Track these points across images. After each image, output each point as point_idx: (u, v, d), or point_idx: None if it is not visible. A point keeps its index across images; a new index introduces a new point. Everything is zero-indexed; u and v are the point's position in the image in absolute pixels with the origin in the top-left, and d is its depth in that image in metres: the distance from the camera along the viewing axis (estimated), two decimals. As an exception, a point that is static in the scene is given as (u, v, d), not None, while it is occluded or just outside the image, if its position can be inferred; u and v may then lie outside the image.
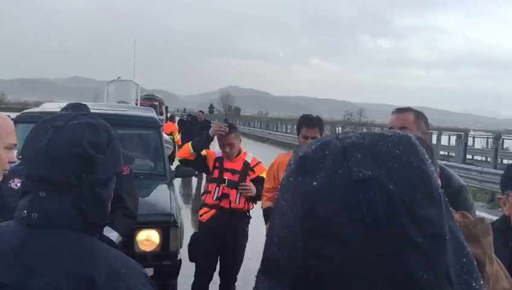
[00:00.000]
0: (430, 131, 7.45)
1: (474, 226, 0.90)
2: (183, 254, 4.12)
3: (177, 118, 19.55)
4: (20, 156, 1.91)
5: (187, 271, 4.34)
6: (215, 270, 4.19)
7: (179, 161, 4.30)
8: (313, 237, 0.58)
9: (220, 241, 4.05)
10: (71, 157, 1.07)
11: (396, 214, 0.56)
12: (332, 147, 0.62)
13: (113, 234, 2.76)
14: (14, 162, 1.84)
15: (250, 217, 4.20)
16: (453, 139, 21.50)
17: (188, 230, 5.18)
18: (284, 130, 39.08)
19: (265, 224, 3.67)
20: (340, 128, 34.84)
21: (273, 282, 0.62)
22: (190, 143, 4.09)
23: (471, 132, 32.26)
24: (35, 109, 5.37)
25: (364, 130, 0.70)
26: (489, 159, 18.95)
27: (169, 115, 22.02)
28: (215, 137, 4.04)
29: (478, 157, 22.34)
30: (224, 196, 4.01)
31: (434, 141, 19.66)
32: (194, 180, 12.56)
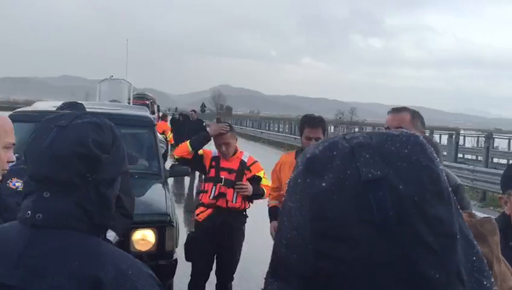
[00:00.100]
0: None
1: (481, 225, 0.91)
2: (179, 253, 4.11)
3: (169, 117, 19.50)
4: (17, 154, 1.90)
5: (183, 271, 4.33)
6: (211, 269, 4.19)
7: (176, 159, 4.30)
8: (322, 239, 0.57)
9: (216, 240, 4.05)
10: (76, 157, 1.06)
11: (406, 213, 0.56)
12: (339, 147, 0.61)
13: (110, 234, 2.75)
14: (12, 162, 1.83)
15: (246, 216, 4.20)
16: (445, 138, 21.64)
17: (181, 230, 5.17)
18: (276, 129, 39.14)
19: (270, 222, 3.67)
20: (332, 127, 34.93)
21: (282, 284, 0.62)
22: (188, 142, 4.08)
23: (462, 131, 32.51)
24: (28, 108, 5.34)
25: (369, 130, 0.70)
26: (479, 158, 19.10)
27: (161, 114, 21.96)
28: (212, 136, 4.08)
29: (468, 156, 22.52)
30: (221, 195, 4.00)
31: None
32: (187, 179, 12.55)
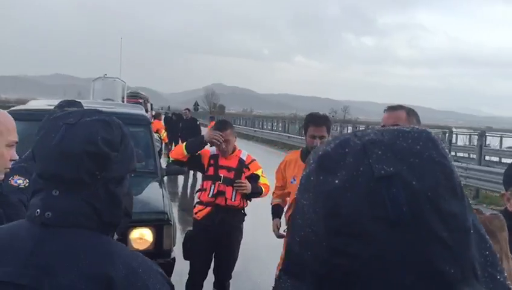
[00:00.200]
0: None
1: (490, 222, 0.91)
2: (177, 252, 4.10)
3: (162, 116, 19.45)
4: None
5: (181, 269, 4.32)
6: (209, 268, 4.19)
7: (172, 161, 4.30)
8: (337, 236, 0.58)
9: (215, 238, 4.05)
10: (85, 154, 1.05)
11: (420, 209, 0.56)
12: (351, 144, 0.62)
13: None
14: (15, 160, 1.82)
15: (245, 215, 4.21)
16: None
17: (177, 228, 5.16)
18: (270, 127, 39.11)
19: (273, 220, 3.66)
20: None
21: (296, 282, 0.62)
22: (184, 145, 4.09)
23: (454, 129, 32.65)
24: (22, 107, 5.30)
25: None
26: (472, 156, 19.20)
27: (153, 112, 21.89)
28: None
29: (461, 154, 22.64)
30: (220, 193, 4.00)
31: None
32: (180, 178, 12.53)
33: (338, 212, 0.58)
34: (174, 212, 8.32)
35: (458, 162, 16.15)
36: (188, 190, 12.25)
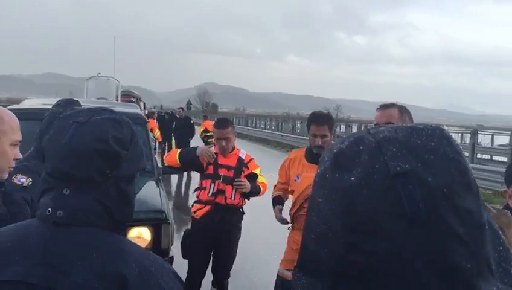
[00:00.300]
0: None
1: (497, 218, 0.92)
2: (175, 251, 4.09)
3: (155, 115, 19.36)
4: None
5: (179, 268, 4.31)
6: (208, 267, 4.18)
7: (166, 166, 4.36)
8: (354, 232, 0.58)
9: (214, 237, 4.04)
10: (96, 153, 1.04)
11: (436, 206, 0.56)
12: (366, 142, 0.62)
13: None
14: (18, 159, 1.81)
15: (243, 213, 4.21)
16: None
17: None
18: (263, 126, 39.12)
19: (273, 208, 3.66)
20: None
21: (311, 279, 0.62)
22: (178, 154, 4.14)
23: (445, 127, 32.80)
24: (16, 106, 5.27)
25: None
26: (465, 154, 19.25)
27: (146, 112, 21.79)
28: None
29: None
30: (220, 192, 4.01)
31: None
32: (175, 177, 12.49)
33: (354, 209, 0.58)
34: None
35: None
36: (183, 189, 12.22)
